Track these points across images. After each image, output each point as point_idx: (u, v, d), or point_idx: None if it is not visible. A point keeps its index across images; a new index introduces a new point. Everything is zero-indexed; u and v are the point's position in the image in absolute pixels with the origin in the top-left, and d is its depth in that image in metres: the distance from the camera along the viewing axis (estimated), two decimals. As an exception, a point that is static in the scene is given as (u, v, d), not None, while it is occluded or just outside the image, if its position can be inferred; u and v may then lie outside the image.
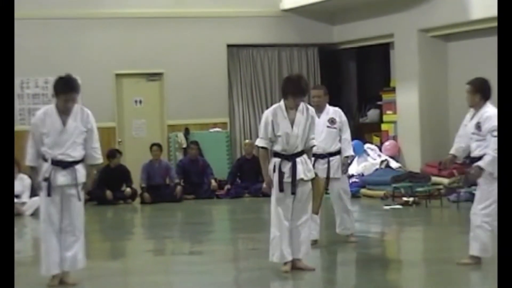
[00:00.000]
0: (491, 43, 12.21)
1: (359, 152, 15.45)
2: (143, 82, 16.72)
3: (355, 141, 14.06)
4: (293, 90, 7.84)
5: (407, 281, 8.08)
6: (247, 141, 16.50)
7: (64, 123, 7.47)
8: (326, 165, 9.43)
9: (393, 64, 16.42)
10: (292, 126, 7.84)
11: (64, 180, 7.45)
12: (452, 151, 8.27)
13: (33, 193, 13.21)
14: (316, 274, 7.99)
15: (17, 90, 15.41)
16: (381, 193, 14.45)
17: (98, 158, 7.70)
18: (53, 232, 7.46)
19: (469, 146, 8.03)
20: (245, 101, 17.23)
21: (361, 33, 16.71)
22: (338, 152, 9.54)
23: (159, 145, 15.85)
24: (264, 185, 8.13)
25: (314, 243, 9.00)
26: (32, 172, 7.71)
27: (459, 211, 12.61)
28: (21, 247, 10.13)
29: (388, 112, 16.49)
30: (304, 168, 7.86)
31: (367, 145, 16.03)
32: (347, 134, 9.62)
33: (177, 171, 15.80)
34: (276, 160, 7.87)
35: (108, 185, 15.07)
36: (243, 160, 16.25)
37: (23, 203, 13.92)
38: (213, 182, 15.77)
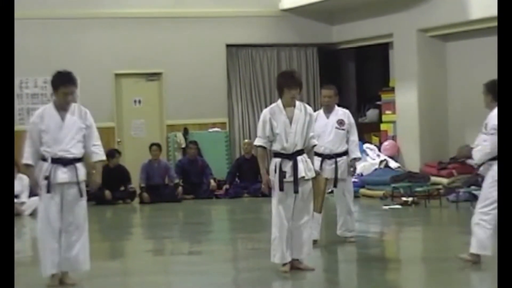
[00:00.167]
0: (490, 43, 12.24)
1: (359, 152, 15.46)
2: (142, 82, 16.71)
3: (355, 141, 14.07)
4: (287, 82, 7.83)
5: (407, 281, 8.10)
6: (246, 141, 16.47)
7: (62, 118, 7.47)
8: (333, 166, 9.43)
9: (392, 64, 16.41)
10: (290, 123, 7.82)
11: (64, 177, 7.43)
12: None
13: (32, 193, 13.20)
14: (316, 274, 7.99)
15: (16, 90, 15.34)
16: (380, 193, 14.45)
17: (101, 154, 7.70)
18: (51, 232, 7.43)
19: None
20: (244, 101, 17.22)
21: (360, 33, 16.70)
22: (345, 153, 9.54)
23: (158, 145, 15.83)
24: (262, 184, 8.10)
25: (314, 242, 8.98)
26: (28, 170, 7.68)
27: (458, 211, 12.62)
28: (20, 247, 10.10)
29: (387, 112, 16.48)
30: (305, 166, 7.84)
31: (366, 145, 16.03)
32: (355, 136, 9.62)
33: (176, 171, 15.78)
34: (277, 160, 7.84)
35: (107, 185, 15.02)
36: (242, 160, 16.23)
37: (22, 203, 13.93)
38: (212, 182, 15.76)
